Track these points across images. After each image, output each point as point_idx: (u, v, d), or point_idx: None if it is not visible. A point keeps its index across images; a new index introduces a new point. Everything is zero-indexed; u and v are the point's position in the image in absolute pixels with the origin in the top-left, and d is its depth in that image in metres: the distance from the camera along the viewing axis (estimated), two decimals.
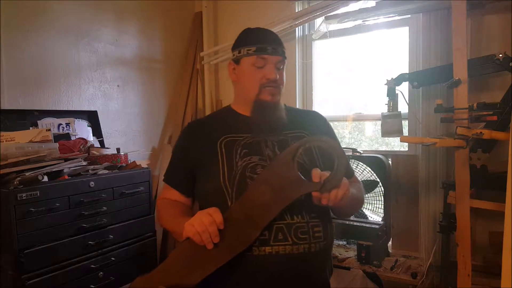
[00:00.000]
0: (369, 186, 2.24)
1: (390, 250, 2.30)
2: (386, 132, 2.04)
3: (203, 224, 0.96)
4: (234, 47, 1.21)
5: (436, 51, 2.12)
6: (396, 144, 2.57)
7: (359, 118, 2.58)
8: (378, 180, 2.24)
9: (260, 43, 1.14)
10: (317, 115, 1.32)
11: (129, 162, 2.05)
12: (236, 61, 1.19)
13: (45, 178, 1.57)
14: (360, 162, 2.26)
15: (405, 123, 2.33)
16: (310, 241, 1.05)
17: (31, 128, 1.95)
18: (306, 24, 2.67)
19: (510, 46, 1.86)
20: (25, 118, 1.96)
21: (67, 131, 2.06)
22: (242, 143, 1.13)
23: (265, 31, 1.20)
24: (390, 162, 2.36)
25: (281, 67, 1.17)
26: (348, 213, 1.41)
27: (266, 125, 1.14)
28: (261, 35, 1.18)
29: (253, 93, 1.15)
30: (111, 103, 2.49)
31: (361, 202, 1.26)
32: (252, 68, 1.14)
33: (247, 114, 1.19)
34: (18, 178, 1.50)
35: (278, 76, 1.14)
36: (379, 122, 2.22)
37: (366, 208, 2.34)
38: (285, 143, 1.13)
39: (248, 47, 1.15)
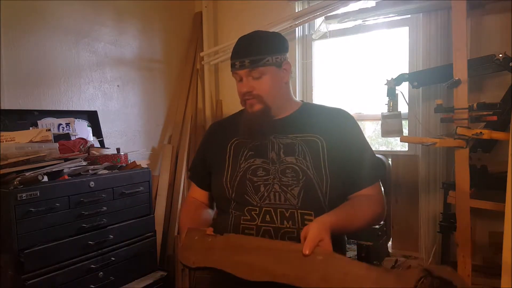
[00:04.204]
0: None
1: (390, 250, 2.30)
2: (386, 132, 2.04)
3: None
4: None
5: (436, 51, 2.12)
6: (396, 144, 2.57)
7: (359, 118, 2.58)
8: None
9: (232, 59, 1.17)
10: (340, 116, 1.21)
11: (129, 162, 2.05)
12: None
13: (45, 178, 1.57)
14: None
15: (405, 123, 2.33)
16: None
17: (31, 128, 1.94)
18: (306, 24, 2.67)
19: (510, 46, 1.86)
20: (25, 118, 1.95)
21: (67, 131, 2.06)
22: (250, 145, 1.17)
23: (240, 43, 1.17)
24: (390, 162, 2.36)
25: (257, 76, 1.13)
26: (355, 232, 1.30)
27: (262, 130, 1.16)
28: (235, 50, 1.17)
29: (242, 104, 1.20)
30: (111, 103, 2.49)
31: (365, 222, 1.10)
32: (236, 82, 1.19)
33: None
34: (18, 178, 1.50)
35: (251, 87, 1.13)
36: (379, 122, 2.22)
37: None
38: (292, 146, 1.13)
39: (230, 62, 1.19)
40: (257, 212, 1.09)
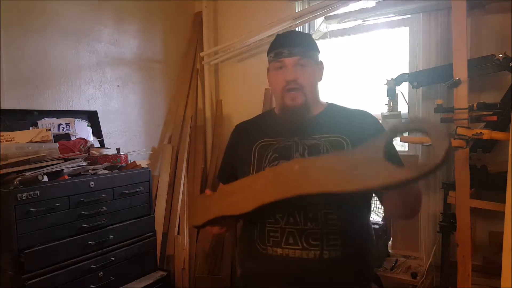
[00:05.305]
0: None
1: (390, 250, 2.30)
2: None
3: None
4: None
5: (436, 51, 2.12)
6: (396, 144, 2.56)
7: None
8: None
9: (278, 48, 1.16)
10: (365, 117, 1.21)
11: (129, 162, 2.05)
12: (268, 68, 1.23)
13: (45, 178, 1.57)
14: None
15: None
16: (323, 247, 1.05)
17: (31, 128, 1.94)
18: (306, 24, 2.67)
19: (510, 46, 1.85)
20: (25, 118, 1.96)
21: (67, 131, 2.06)
22: (274, 147, 1.16)
23: (286, 34, 1.22)
24: None
25: (304, 64, 1.15)
26: (409, 211, 1.19)
27: (292, 129, 1.16)
28: (279, 40, 1.19)
29: (279, 98, 1.19)
30: (111, 103, 2.49)
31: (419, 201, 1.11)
32: (274, 73, 1.18)
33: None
34: (18, 178, 1.50)
35: (297, 76, 1.14)
36: None
37: None
38: (316, 147, 1.12)
39: (270, 54, 1.19)
40: (281, 215, 1.09)
